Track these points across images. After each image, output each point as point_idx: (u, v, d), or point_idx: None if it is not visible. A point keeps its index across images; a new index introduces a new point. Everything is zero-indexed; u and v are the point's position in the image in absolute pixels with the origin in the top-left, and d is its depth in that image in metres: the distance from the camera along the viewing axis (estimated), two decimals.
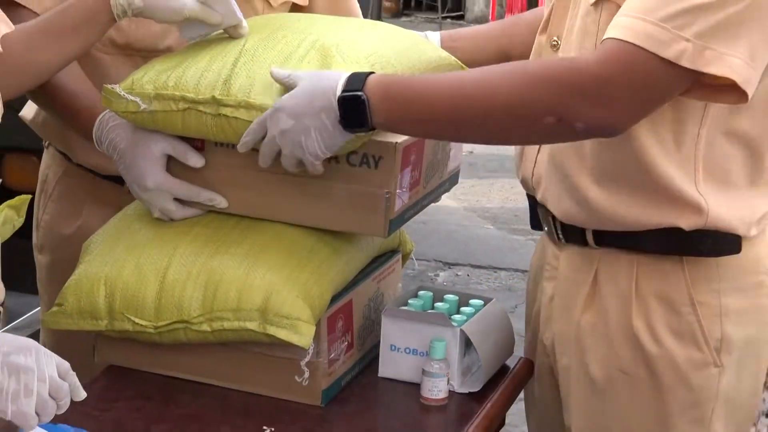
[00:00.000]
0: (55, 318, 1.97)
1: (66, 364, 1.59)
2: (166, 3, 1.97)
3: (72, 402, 1.90)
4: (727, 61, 1.74)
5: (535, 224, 2.20)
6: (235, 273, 1.91)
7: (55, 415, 1.80)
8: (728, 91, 1.78)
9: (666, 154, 1.93)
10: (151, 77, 1.95)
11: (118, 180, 2.11)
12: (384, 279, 2.18)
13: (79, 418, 1.79)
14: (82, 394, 1.61)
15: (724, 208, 1.96)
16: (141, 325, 1.91)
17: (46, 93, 2.18)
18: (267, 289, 1.89)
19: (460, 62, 2.19)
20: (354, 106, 1.82)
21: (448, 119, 1.92)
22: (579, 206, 2.03)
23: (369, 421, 1.96)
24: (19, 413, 1.51)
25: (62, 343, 1.72)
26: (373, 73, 1.86)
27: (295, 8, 2.47)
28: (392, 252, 2.23)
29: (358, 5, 2.63)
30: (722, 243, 1.99)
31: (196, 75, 1.93)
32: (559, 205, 2.05)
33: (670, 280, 2.00)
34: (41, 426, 1.75)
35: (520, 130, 1.93)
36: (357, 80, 1.83)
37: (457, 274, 5.27)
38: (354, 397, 2.01)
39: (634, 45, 1.76)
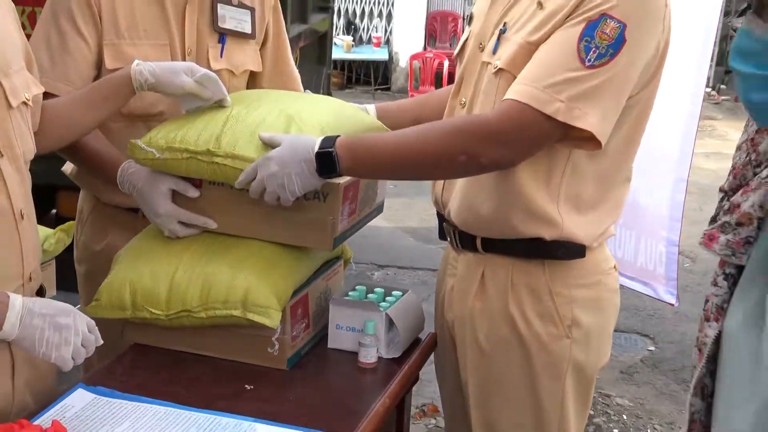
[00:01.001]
0: (93, 309, 1.96)
1: (92, 322, 1.65)
2: (171, 81, 1.95)
3: (106, 370, 1.91)
4: (588, 119, 1.76)
5: (442, 236, 2.19)
6: (224, 275, 1.91)
7: (94, 380, 1.81)
8: (588, 141, 1.80)
9: (538, 184, 1.93)
10: (163, 135, 1.95)
11: (135, 210, 2.10)
12: (331, 278, 2.18)
13: (112, 383, 1.80)
14: (100, 342, 1.67)
15: (575, 225, 1.96)
16: (156, 314, 1.91)
17: (78, 152, 2.14)
18: (247, 287, 1.88)
19: (386, 127, 2.17)
20: (328, 159, 1.83)
21: (394, 166, 1.95)
22: (473, 217, 2.03)
23: (321, 380, 1.96)
24: (60, 357, 1.57)
25: (98, 328, 1.71)
26: (339, 136, 1.86)
27: (252, 73, 2.44)
28: (337, 258, 2.22)
29: (296, 70, 2.58)
30: (572, 250, 1.99)
31: (196, 133, 1.92)
32: (459, 216, 2.05)
33: (535, 276, 2.00)
34: (86, 388, 1.75)
35: (443, 168, 1.94)
36: (329, 140, 1.85)
37: (387, 273, 5.26)
38: (310, 362, 2.01)
39: (525, 103, 1.77)
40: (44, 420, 1.59)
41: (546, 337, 1.99)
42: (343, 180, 1.92)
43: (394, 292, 2.14)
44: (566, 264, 2.00)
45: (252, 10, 2.36)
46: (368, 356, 1.98)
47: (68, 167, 2.38)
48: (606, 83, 1.78)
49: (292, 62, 2.54)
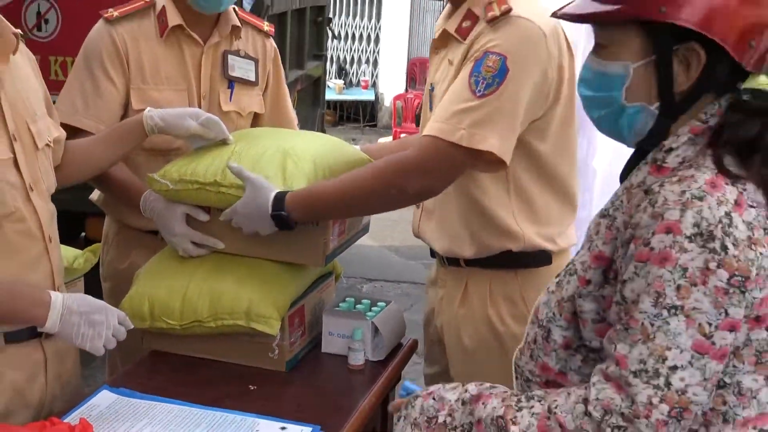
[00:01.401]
0: None
1: (122, 314, 1.71)
2: (178, 125, 1.98)
3: (128, 373, 1.91)
4: (489, 141, 1.78)
5: (432, 254, 2.19)
6: (230, 290, 1.91)
7: (117, 382, 1.81)
8: (495, 162, 1.82)
9: (498, 205, 1.97)
10: (176, 168, 1.96)
11: (154, 232, 2.11)
12: (324, 291, 2.18)
13: (133, 385, 1.80)
14: (131, 326, 1.73)
15: (535, 234, 1.99)
16: (171, 324, 1.91)
17: (106, 181, 2.15)
18: (250, 299, 1.89)
19: (370, 158, 2.17)
20: (281, 219, 1.85)
21: (339, 208, 1.97)
22: (452, 245, 2.05)
23: (316, 380, 1.95)
24: (93, 347, 1.62)
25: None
26: (288, 192, 1.87)
27: (256, 114, 2.45)
28: (329, 274, 2.22)
29: (293, 111, 2.60)
30: (539, 259, 2.02)
31: (204, 167, 1.94)
32: (441, 248, 2.07)
33: (510, 284, 2.02)
34: (109, 389, 1.75)
35: (380, 202, 1.97)
36: (280, 202, 1.85)
37: (374, 286, 5.26)
38: (306, 365, 2.01)
39: (434, 136, 1.81)
40: (73, 418, 1.59)
41: (519, 336, 1.99)
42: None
43: (379, 303, 2.14)
44: (535, 271, 2.02)
45: (256, 61, 2.38)
46: (357, 359, 1.98)
47: (95, 195, 2.39)
48: (498, 108, 1.80)
49: (290, 104, 2.56)
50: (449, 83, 1.92)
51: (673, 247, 1.12)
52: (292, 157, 1.97)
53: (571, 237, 2.11)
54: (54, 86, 2.27)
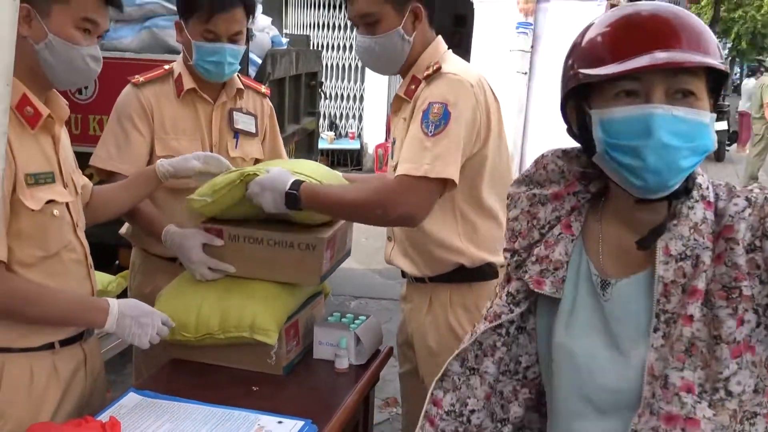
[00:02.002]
0: None
1: (165, 316, 1.79)
2: (185, 167, 2.02)
3: (151, 378, 1.90)
4: (448, 170, 1.82)
5: (403, 275, 2.20)
6: (237, 307, 1.91)
7: (142, 385, 1.80)
8: (450, 187, 1.87)
9: (449, 231, 2.00)
10: (206, 187, 1.94)
11: (174, 259, 2.10)
12: (315, 307, 2.17)
13: (155, 387, 1.79)
14: (172, 324, 1.82)
15: (477, 251, 2.00)
16: (187, 337, 1.91)
17: (135, 217, 2.15)
18: (253, 315, 1.89)
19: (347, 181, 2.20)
20: (293, 198, 1.85)
21: (335, 210, 1.97)
22: (416, 266, 2.07)
23: (308, 381, 1.94)
24: (140, 343, 1.70)
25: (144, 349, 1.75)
26: (304, 181, 1.89)
27: (256, 159, 2.43)
28: (319, 293, 2.21)
29: (286, 156, 2.61)
30: (488, 273, 2.03)
31: (228, 176, 1.93)
32: (408, 267, 2.09)
33: (466, 295, 2.03)
34: (135, 392, 1.74)
35: (366, 216, 1.96)
36: (296, 184, 1.86)
37: (360, 303, 5.24)
38: (300, 369, 2.00)
39: (404, 174, 1.84)
40: (104, 416, 1.58)
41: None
42: (327, 234, 1.93)
43: (360, 317, 2.14)
44: (487, 284, 2.02)
45: (255, 116, 2.40)
46: (342, 363, 1.98)
47: (124, 230, 2.38)
48: (447, 144, 1.84)
49: (284, 151, 2.57)
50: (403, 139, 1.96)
51: None
52: (296, 168, 1.98)
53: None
54: (92, 140, 2.30)
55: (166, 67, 2.30)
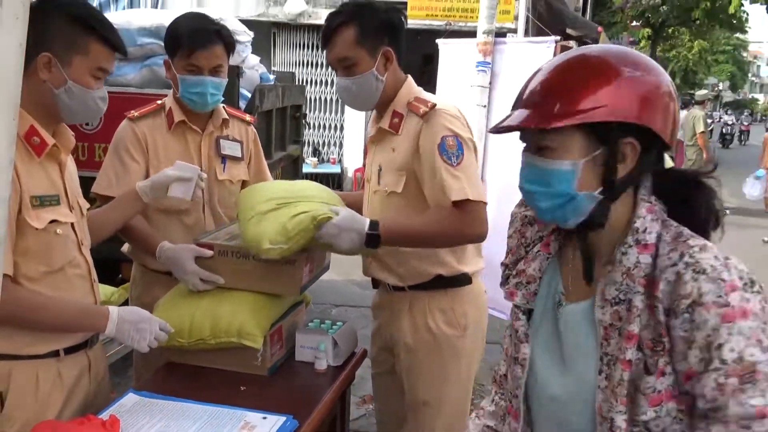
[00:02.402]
0: None
1: (163, 322, 1.77)
2: (160, 180, 2.02)
3: (149, 380, 1.88)
4: (481, 193, 1.89)
5: (375, 285, 2.21)
6: (226, 315, 1.89)
7: (140, 387, 1.78)
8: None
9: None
10: (279, 233, 1.84)
11: (170, 273, 2.07)
12: (297, 315, 2.16)
13: (152, 388, 1.78)
14: (171, 330, 1.79)
15: (456, 264, 2.02)
16: (181, 342, 1.89)
17: (131, 235, 2.15)
18: (241, 322, 1.88)
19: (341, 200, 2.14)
20: (374, 238, 1.86)
21: (416, 242, 1.97)
22: (399, 277, 2.08)
23: (291, 381, 1.93)
24: (138, 347, 1.68)
25: (146, 354, 1.75)
26: (380, 221, 1.88)
27: (243, 181, 2.41)
28: (300, 302, 2.21)
29: (270, 175, 2.56)
30: (463, 280, 2.04)
31: (299, 227, 1.85)
32: (390, 279, 2.09)
33: (442, 300, 2.04)
34: (134, 392, 1.72)
35: (447, 242, 1.97)
36: (375, 225, 1.86)
37: (340, 310, 5.21)
38: (283, 370, 1.99)
39: (458, 200, 1.86)
40: (105, 415, 1.56)
41: (450, 337, 2.04)
42: (305, 253, 1.92)
43: (338, 323, 2.13)
44: (461, 289, 2.04)
45: (241, 142, 2.41)
46: (321, 365, 1.98)
47: (125, 248, 2.36)
48: (471, 169, 1.88)
49: (268, 172, 2.56)
50: (396, 164, 1.98)
51: (743, 301, 0.95)
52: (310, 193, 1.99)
53: (480, 262, 2.13)
54: (98, 165, 2.29)
55: (159, 102, 2.31)
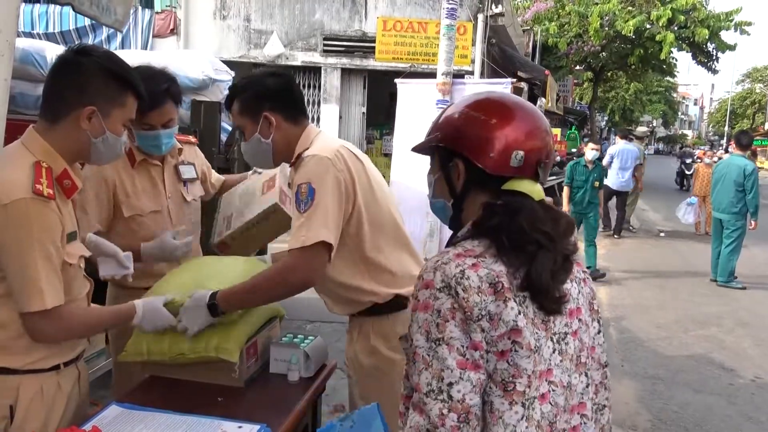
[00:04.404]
0: (123, 357, 1.91)
1: (174, 320, 1.84)
2: (100, 247, 2.02)
3: (131, 392, 1.83)
4: (319, 234, 1.77)
5: None
6: (206, 332, 1.85)
7: (122, 399, 1.74)
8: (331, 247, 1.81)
9: (359, 279, 1.97)
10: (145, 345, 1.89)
11: (146, 289, 2.03)
12: (272, 330, 2.13)
13: (134, 400, 1.74)
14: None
15: (385, 289, 1.98)
16: (162, 357, 1.86)
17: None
18: (218, 337, 1.85)
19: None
20: (213, 306, 1.83)
21: (250, 301, 1.91)
22: (342, 308, 2.07)
23: (265, 392, 1.90)
24: (154, 330, 1.84)
25: (126, 367, 1.72)
26: (218, 291, 1.84)
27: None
28: (275, 317, 2.17)
29: (217, 175, 2.73)
30: (399, 304, 1.98)
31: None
32: (338, 310, 2.08)
33: (384, 325, 2.00)
34: (117, 404, 1.68)
35: (276, 292, 1.88)
36: (213, 296, 1.83)
37: (314, 325, 5.11)
38: (259, 381, 1.95)
39: (291, 249, 1.80)
40: (87, 426, 1.52)
41: (391, 356, 1.98)
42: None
43: (309, 337, 2.11)
44: (401, 313, 1.99)
45: (193, 164, 2.51)
46: (293, 376, 1.95)
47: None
48: (316, 215, 1.78)
49: (215, 173, 2.71)
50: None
51: (430, 297, 1.08)
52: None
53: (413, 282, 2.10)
54: None
55: None
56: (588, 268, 6.72)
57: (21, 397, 1.54)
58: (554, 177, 12.50)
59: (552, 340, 1.12)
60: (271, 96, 1.95)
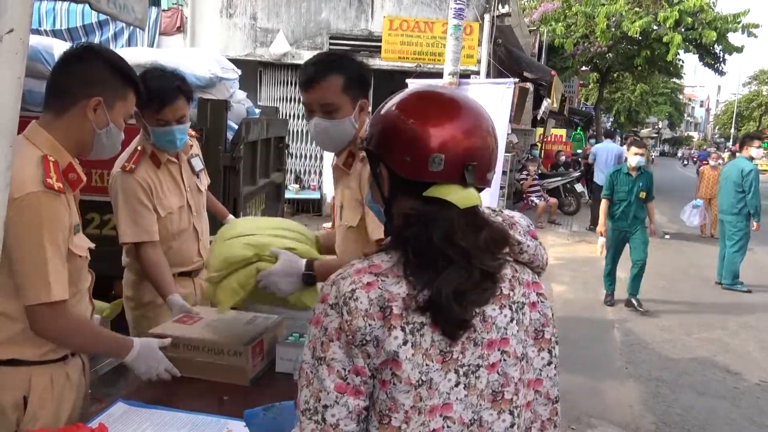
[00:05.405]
0: (224, 309, 1.97)
1: (170, 365, 1.82)
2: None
3: (138, 390, 1.84)
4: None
5: None
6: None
7: (129, 396, 1.74)
8: None
9: None
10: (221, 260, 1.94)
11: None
12: (278, 329, 2.13)
13: (141, 397, 1.75)
14: (176, 373, 1.82)
15: None
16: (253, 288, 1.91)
17: (147, 273, 2.37)
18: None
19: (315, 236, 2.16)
20: (310, 277, 1.86)
21: None
22: None
23: (270, 391, 1.88)
24: (143, 377, 1.79)
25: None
26: (315, 260, 1.88)
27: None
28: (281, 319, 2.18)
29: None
30: None
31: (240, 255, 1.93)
32: None
33: None
34: (123, 402, 1.68)
35: None
36: (310, 265, 1.86)
37: None
38: (264, 380, 1.96)
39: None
40: (94, 424, 1.52)
41: None
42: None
43: None
44: None
45: (199, 155, 2.64)
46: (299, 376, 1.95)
47: (124, 260, 2.52)
48: None
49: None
50: (350, 201, 1.89)
51: (321, 313, 1.00)
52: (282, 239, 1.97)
53: None
54: (93, 189, 2.29)
55: (138, 148, 2.41)
56: (631, 296, 6.29)
57: (33, 388, 1.57)
58: (559, 178, 12.48)
59: (457, 372, 1.00)
60: (366, 84, 1.90)
